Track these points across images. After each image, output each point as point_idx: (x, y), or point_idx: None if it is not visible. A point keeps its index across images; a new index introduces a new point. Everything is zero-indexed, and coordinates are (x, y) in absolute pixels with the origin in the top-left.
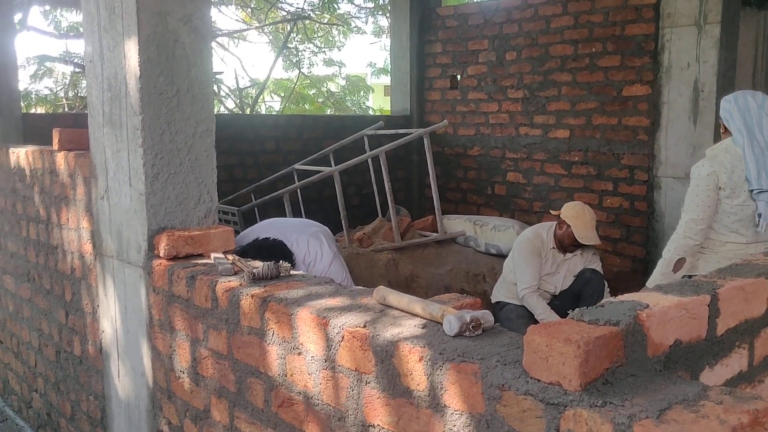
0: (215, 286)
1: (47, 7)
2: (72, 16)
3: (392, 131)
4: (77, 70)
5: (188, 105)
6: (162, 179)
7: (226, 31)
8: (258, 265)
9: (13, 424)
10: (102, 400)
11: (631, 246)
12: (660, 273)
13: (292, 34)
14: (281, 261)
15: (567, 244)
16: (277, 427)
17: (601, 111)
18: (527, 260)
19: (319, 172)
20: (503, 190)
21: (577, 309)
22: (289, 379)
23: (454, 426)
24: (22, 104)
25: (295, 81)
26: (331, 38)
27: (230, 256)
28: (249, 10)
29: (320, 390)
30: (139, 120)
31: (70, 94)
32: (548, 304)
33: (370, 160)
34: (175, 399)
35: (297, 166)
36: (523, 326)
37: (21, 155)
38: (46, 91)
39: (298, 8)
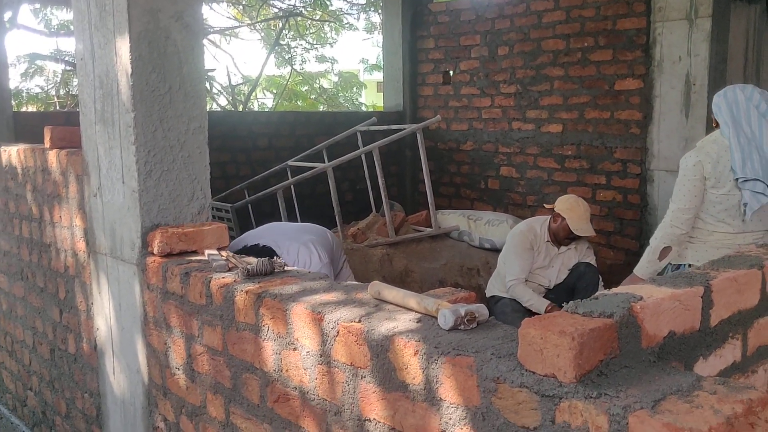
0: (210, 282)
1: (37, 5)
2: (62, 14)
3: (385, 127)
4: (68, 68)
5: (180, 102)
6: (155, 176)
7: (218, 29)
8: (252, 261)
9: (8, 423)
10: (97, 397)
11: (625, 239)
12: (647, 260)
13: (284, 31)
14: (275, 257)
15: (562, 237)
16: (273, 423)
17: (593, 105)
18: (518, 253)
19: (312, 168)
20: (496, 185)
21: (571, 302)
22: (284, 374)
23: (450, 419)
24: (13, 103)
25: (287, 78)
26: (323, 35)
27: (224, 253)
28: (240, 7)
29: (316, 385)
30: (131, 117)
31: (62, 92)
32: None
33: (363, 156)
34: (170, 395)
35: (290, 162)
36: (518, 320)
37: (13, 154)
38: (37, 90)
39: (289, 5)
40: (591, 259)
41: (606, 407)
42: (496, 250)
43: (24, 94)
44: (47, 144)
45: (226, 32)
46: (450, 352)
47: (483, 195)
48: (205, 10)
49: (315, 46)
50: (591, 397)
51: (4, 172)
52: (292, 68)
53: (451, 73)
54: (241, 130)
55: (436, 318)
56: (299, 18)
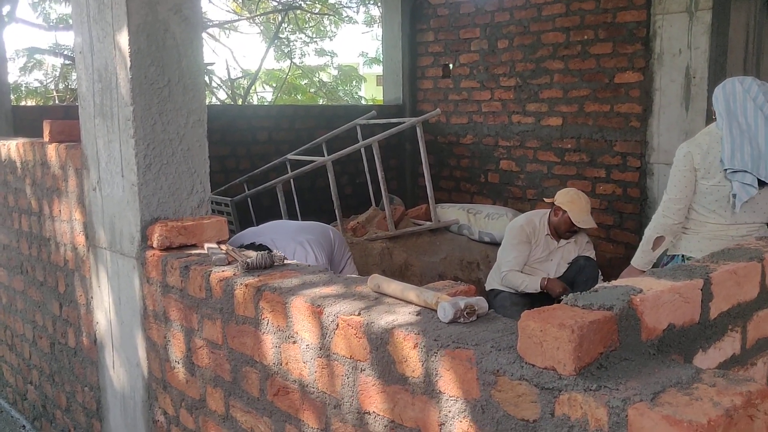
0: (209, 275)
1: None
2: (61, 8)
3: (385, 120)
4: (67, 62)
5: (179, 95)
6: (154, 170)
7: (217, 22)
8: (251, 254)
9: (8, 417)
10: (97, 391)
11: (624, 232)
12: (641, 251)
13: (283, 25)
14: (275, 250)
15: (563, 230)
16: (273, 416)
17: (593, 98)
18: (515, 246)
19: (311, 162)
20: (496, 178)
21: (570, 294)
22: (284, 367)
23: (450, 412)
24: (12, 97)
25: (286, 71)
26: (322, 28)
27: (224, 246)
28: (240, 0)
29: (315, 378)
30: (130, 111)
31: (61, 86)
32: (541, 293)
33: (362, 150)
34: (170, 389)
35: (290, 156)
36: (517, 313)
37: (12, 147)
38: (36, 84)
39: None
40: (590, 253)
41: (605, 400)
42: (496, 244)
43: (23, 89)
44: (46, 138)
45: (225, 26)
46: (449, 345)
47: (483, 189)
48: (204, 3)
49: (314, 39)
50: (590, 390)
51: (4, 166)
52: (292, 62)
53: (451, 66)
54: (241, 124)
55: (436, 311)
56: (298, 11)
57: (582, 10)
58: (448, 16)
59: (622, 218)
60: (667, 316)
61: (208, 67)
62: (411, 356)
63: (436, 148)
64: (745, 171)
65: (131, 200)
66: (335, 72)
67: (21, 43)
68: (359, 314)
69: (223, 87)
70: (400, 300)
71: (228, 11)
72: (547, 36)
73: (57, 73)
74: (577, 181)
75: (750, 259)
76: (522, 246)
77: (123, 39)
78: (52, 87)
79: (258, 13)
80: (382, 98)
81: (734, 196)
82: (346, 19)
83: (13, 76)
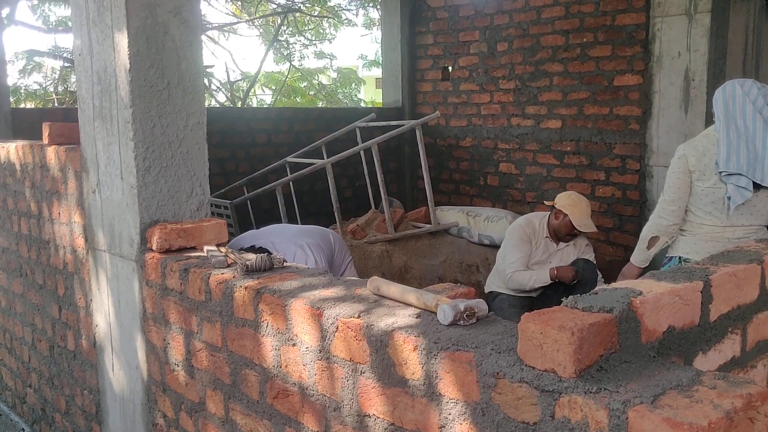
0: (208, 278)
1: (35, 2)
2: (60, 11)
3: (384, 123)
4: (66, 64)
5: (179, 98)
6: (154, 172)
7: (216, 25)
8: (251, 257)
9: (7, 420)
10: (96, 394)
11: (624, 235)
12: (637, 249)
13: (282, 27)
14: (275, 253)
15: (564, 233)
16: (273, 419)
17: (592, 101)
18: (517, 246)
19: (311, 164)
20: (496, 181)
21: (570, 297)
22: (283, 370)
23: (450, 414)
24: (11, 100)
25: (286, 74)
26: (321, 31)
27: (223, 249)
28: (239, 2)
29: (315, 381)
30: (129, 113)
31: (60, 89)
32: (541, 294)
33: (362, 152)
34: (170, 392)
35: (289, 158)
36: (514, 315)
37: (11, 150)
38: (36, 86)
39: (288, 1)
40: (590, 256)
41: (606, 402)
42: (496, 247)
43: (22, 91)
44: (45, 140)
45: (225, 28)
46: (449, 347)
47: (482, 191)
48: (204, 5)
49: (314, 42)
50: (591, 392)
51: (3, 168)
52: (291, 64)
53: (450, 69)
54: (240, 127)
55: (436, 313)
56: (298, 14)
57: (581, 12)
58: (448, 19)
59: (622, 221)
60: (667, 319)
61: (208, 70)
62: (411, 359)
63: (436, 151)
64: (740, 174)
65: (130, 203)
66: (334, 75)
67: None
68: (359, 317)
69: (223, 89)
70: (400, 302)
71: (227, 14)
72: (546, 39)
73: (56, 76)
74: (576, 184)
75: (750, 261)
76: (524, 245)
77: (122, 41)
78: (52, 90)
79: (257, 15)
80: (381, 101)
81: (729, 198)
82: (346, 21)
83: (12, 78)
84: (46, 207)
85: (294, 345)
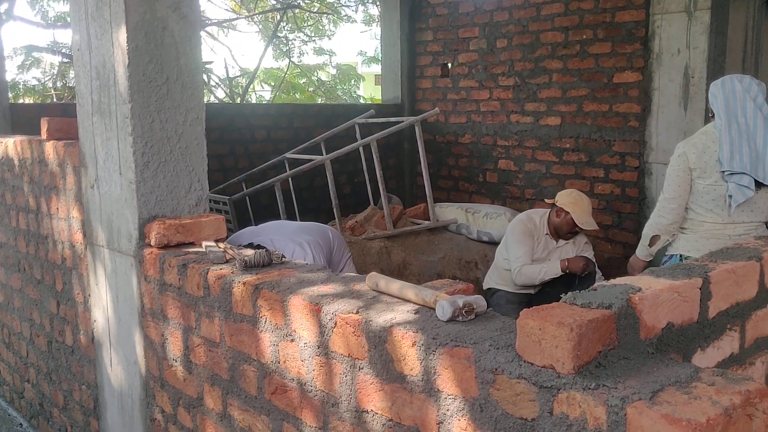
0: (207, 273)
1: None
2: (59, 6)
3: (383, 119)
4: (65, 60)
5: (178, 93)
6: (152, 168)
7: (216, 21)
8: (250, 252)
9: (5, 415)
10: (95, 389)
11: (623, 232)
12: (640, 245)
13: (281, 23)
14: (274, 248)
15: (565, 231)
16: (271, 414)
17: (592, 98)
18: (521, 240)
19: (310, 160)
20: (495, 178)
21: (569, 293)
22: (282, 365)
23: (448, 410)
24: (10, 95)
25: (285, 70)
26: (321, 27)
27: (222, 244)
28: None
29: (313, 376)
30: (128, 108)
31: (59, 84)
32: (539, 291)
33: (361, 149)
34: (168, 387)
35: (288, 154)
36: (512, 312)
37: (9, 145)
38: (34, 82)
39: None
40: (589, 254)
41: (604, 398)
42: (494, 243)
43: (21, 87)
44: (44, 135)
45: (224, 24)
46: (448, 343)
47: (481, 188)
48: (203, 1)
49: (313, 38)
50: (589, 389)
51: (1, 163)
52: (290, 60)
53: (450, 65)
54: (239, 123)
55: (434, 309)
56: (297, 10)
57: (581, 9)
58: (447, 16)
59: (621, 218)
60: (666, 315)
61: (207, 66)
62: (409, 354)
63: (435, 148)
64: (744, 173)
65: (129, 198)
66: (334, 71)
67: (19, 41)
68: (357, 312)
69: (222, 85)
70: (399, 298)
71: (226, 10)
72: (546, 35)
73: (55, 71)
74: (575, 181)
75: (749, 258)
76: (528, 240)
77: (121, 36)
78: (50, 85)
79: (256, 11)
80: (380, 97)
81: (730, 197)
82: (345, 18)
83: (11, 73)
84: (45, 202)
85: (292, 340)
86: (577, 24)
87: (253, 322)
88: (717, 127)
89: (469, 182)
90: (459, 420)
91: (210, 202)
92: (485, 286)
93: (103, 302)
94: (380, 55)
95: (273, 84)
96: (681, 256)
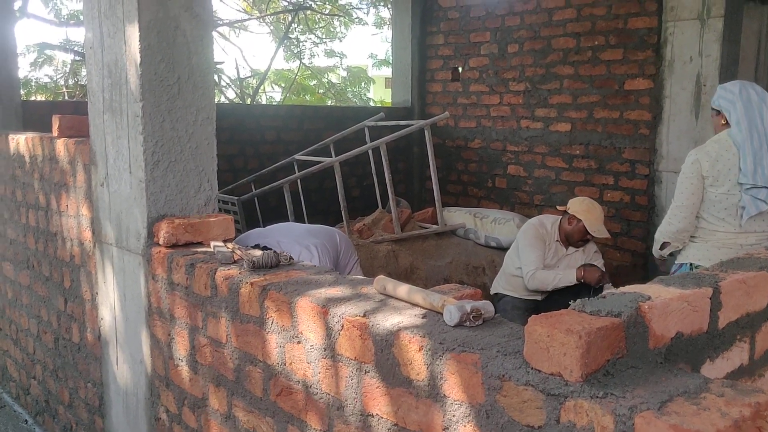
0: (214, 273)
1: None
2: (72, 4)
3: (393, 123)
4: (77, 58)
5: (189, 92)
6: (162, 167)
7: (227, 21)
8: (257, 253)
9: (11, 411)
10: (100, 387)
11: (632, 240)
12: (654, 249)
13: (293, 25)
14: (282, 250)
15: (576, 239)
16: (276, 416)
17: (602, 104)
18: (533, 244)
19: (319, 162)
20: (504, 183)
21: (578, 300)
22: (288, 367)
23: (454, 416)
24: (22, 92)
25: (296, 72)
26: (332, 29)
27: (230, 245)
28: None
29: (319, 379)
30: (139, 107)
31: (71, 82)
32: (546, 298)
33: (370, 152)
34: (173, 387)
35: (297, 156)
36: (518, 317)
37: (21, 142)
38: (46, 79)
39: None
40: (599, 262)
41: (612, 407)
42: (502, 249)
43: (33, 84)
44: (55, 133)
45: (236, 25)
46: (455, 348)
47: (490, 193)
48: (215, 1)
49: (324, 40)
50: (597, 397)
51: (12, 160)
52: (301, 62)
53: (460, 69)
54: (250, 123)
55: (442, 314)
56: (309, 12)
57: (593, 15)
58: (459, 20)
59: (630, 226)
60: (675, 325)
61: (218, 66)
62: (416, 359)
63: (444, 152)
64: (765, 187)
65: (138, 197)
66: (344, 73)
67: (32, 39)
68: (365, 315)
69: (232, 86)
70: (406, 302)
71: (238, 10)
72: (557, 41)
73: (67, 69)
74: (584, 188)
75: (760, 268)
76: (540, 244)
77: (133, 35)
78: (62, 83)
79: (268, 12)
80: (390, 100)
81: (743, 208)
82: (356, 20)
83: (23, 71)
84: (54, 199)
85: (299, 342)
86: (589, 30)
87: (259, 323)
88: (733, 136)
89: (477, 187)
90: (465, 426)
91: (219, 202)
92: (492, 292)
93: (111, 300)
94: (391, 58)
95: (283, 85)
96: (691, 264)
